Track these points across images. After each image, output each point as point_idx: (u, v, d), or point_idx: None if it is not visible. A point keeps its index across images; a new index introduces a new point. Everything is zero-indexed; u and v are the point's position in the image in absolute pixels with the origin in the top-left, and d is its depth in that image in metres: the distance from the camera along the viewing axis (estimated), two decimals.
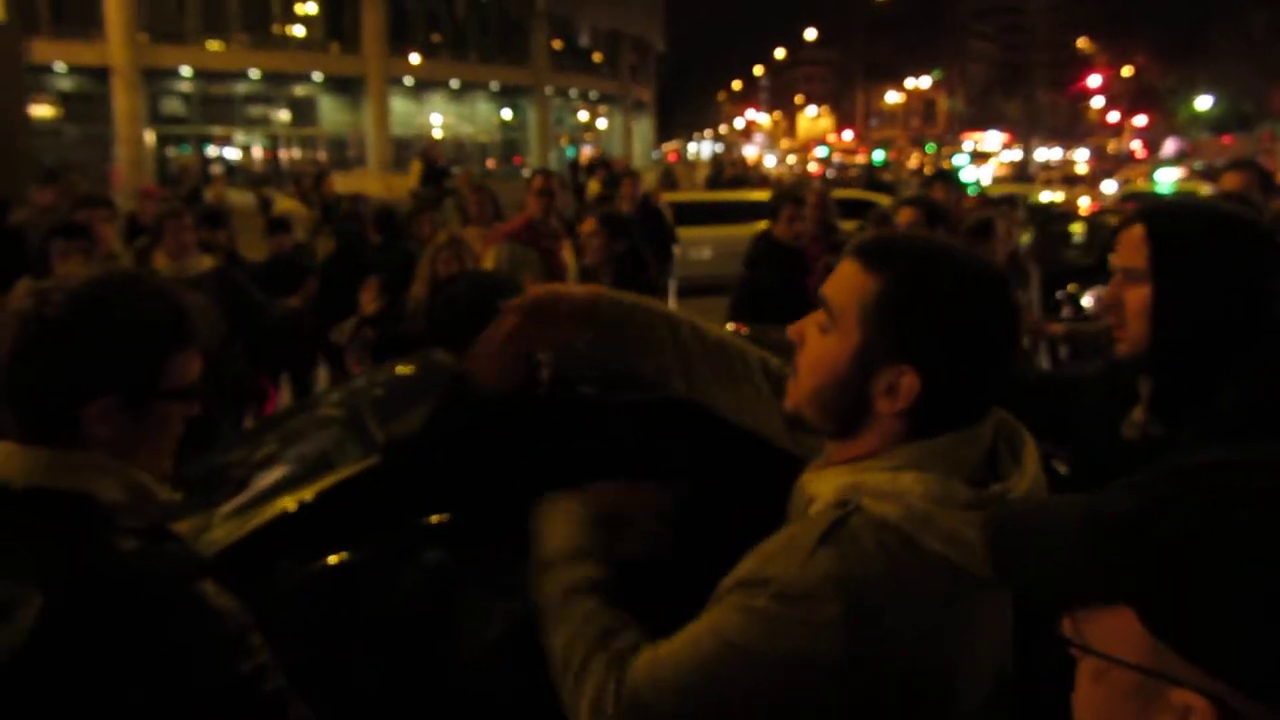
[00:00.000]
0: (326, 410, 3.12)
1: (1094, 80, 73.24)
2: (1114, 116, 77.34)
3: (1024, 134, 73.94)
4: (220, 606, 1.33)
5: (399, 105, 41.04)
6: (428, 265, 4.36)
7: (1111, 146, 71.52)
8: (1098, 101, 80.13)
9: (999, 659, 1.31)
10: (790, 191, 6.70)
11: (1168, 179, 21.18)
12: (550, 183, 5.87)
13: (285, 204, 11.44)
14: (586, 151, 46.28)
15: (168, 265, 4.95)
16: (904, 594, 1.19)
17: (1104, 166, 44.53)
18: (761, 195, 13.40)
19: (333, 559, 2.13)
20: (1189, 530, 0.73)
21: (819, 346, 1.32)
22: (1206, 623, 0.71)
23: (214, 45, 36.30)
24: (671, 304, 9.81)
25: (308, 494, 2.35)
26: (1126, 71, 75.15)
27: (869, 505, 1.23)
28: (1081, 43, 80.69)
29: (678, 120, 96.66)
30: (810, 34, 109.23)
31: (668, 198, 11.01)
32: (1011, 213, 5.84)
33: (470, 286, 2.30)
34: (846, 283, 1.30)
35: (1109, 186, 26.77)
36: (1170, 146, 64.02)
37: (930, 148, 70.01)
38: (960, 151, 58.95)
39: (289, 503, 2.35)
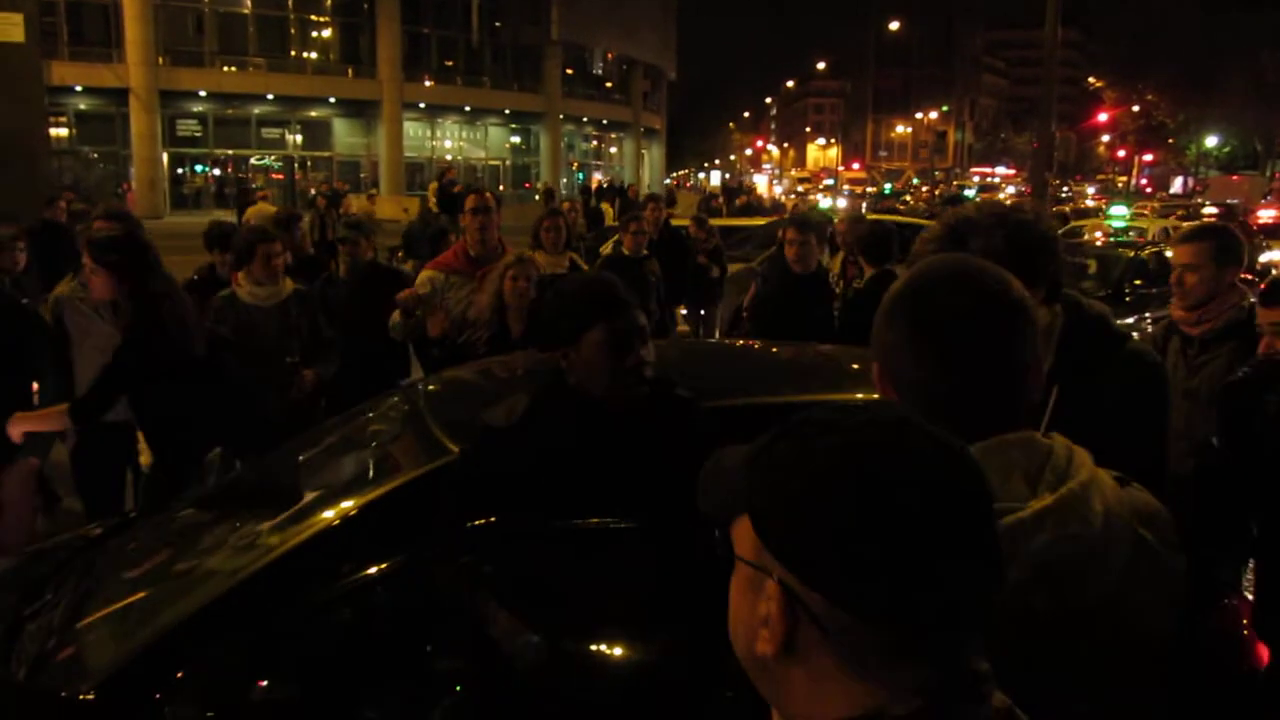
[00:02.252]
0: (384, 413, 3.15)
1: (1103, 117, 73.53)
2: (1122, 153, 77.57)
3: (1033, 169, 74.18)
4: None
5: (412, 129, 41.34)
6: (495, 282, 4.71)
7: (1120, 183, 71.70)
8: (1107, 138, 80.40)
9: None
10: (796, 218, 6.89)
11: (1120, 212, 21.88)
12: (484, 200, 5.38)
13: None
14: (596, 178, 46.51)
15: (249, 291, 5.01)
16: None
17: (1112, 201, 44.63)
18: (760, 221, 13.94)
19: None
20: (781, 456, 0.93)
21: None
22: (781, 526, 0.91)
23: (230, 68, 36.63)
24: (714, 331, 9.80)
25: (374, 494, 2.38)
26: (1135, 108, 75.44)
27: None
28: (1092, 79, 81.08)
29: (688, 148, 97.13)
30: (820, 65, 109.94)
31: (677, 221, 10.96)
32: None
33: (577, 289, 2.37)
34: None
35: (1119, 223, 26.87)
36: (1178, 184, 64.17)
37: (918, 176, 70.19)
38: (969, 185, 59.09)
39: (352, 506, 2.39)
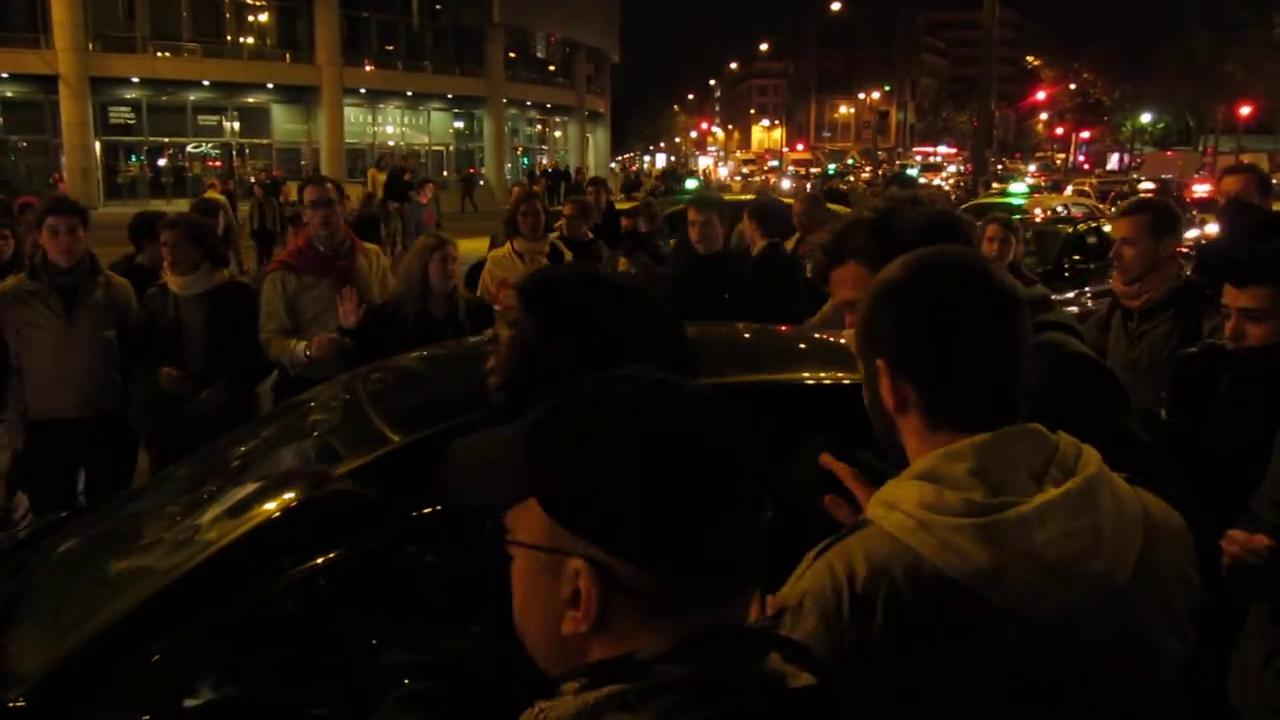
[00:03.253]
0: (323, 403, 3.08)
1: (1041, 95, 74.63)
2: (1060, 131, 78.83)
3: (974, 147, 75.03)
4: None
5: (352, 115, 40.71)
6: (414, 266, 4.58)
7: (1058, 159, 72.84)
8: (1045, 116, 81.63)
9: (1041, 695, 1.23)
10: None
11: (1019, 189, 22.31)
12: (325, 191, 4.82)
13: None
14: (542, 161, 46.25)
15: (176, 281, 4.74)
16: (883, 603, 1.18)
17: (1052, 178, 45.33)
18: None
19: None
20: (562, 433, 0.94)
21: None
22: (578, 501, 0.92)
23: (164, 54, 35.76)
24: None
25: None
26: (1073, 86, 76.62)
27: (878, 516, 1.26)
28: (1030, 58, 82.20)
29: (633, 131, 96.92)
30: (764, 47, 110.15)
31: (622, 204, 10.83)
32: (1018, 226, 6.03)
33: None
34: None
35: (1017, 200, 27.32)
36: (1114, 160, 65.35)
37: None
38: (912, 164, 59.68)
39: (292, 498, 2.32)
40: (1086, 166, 64.16)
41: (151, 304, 4.71)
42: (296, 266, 4.74)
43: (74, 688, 2.04)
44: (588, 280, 2.07)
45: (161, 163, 37.52)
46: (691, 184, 22.54)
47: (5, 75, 32.80)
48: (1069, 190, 29.80)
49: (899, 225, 1.84)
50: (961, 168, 57.61)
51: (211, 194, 15.37)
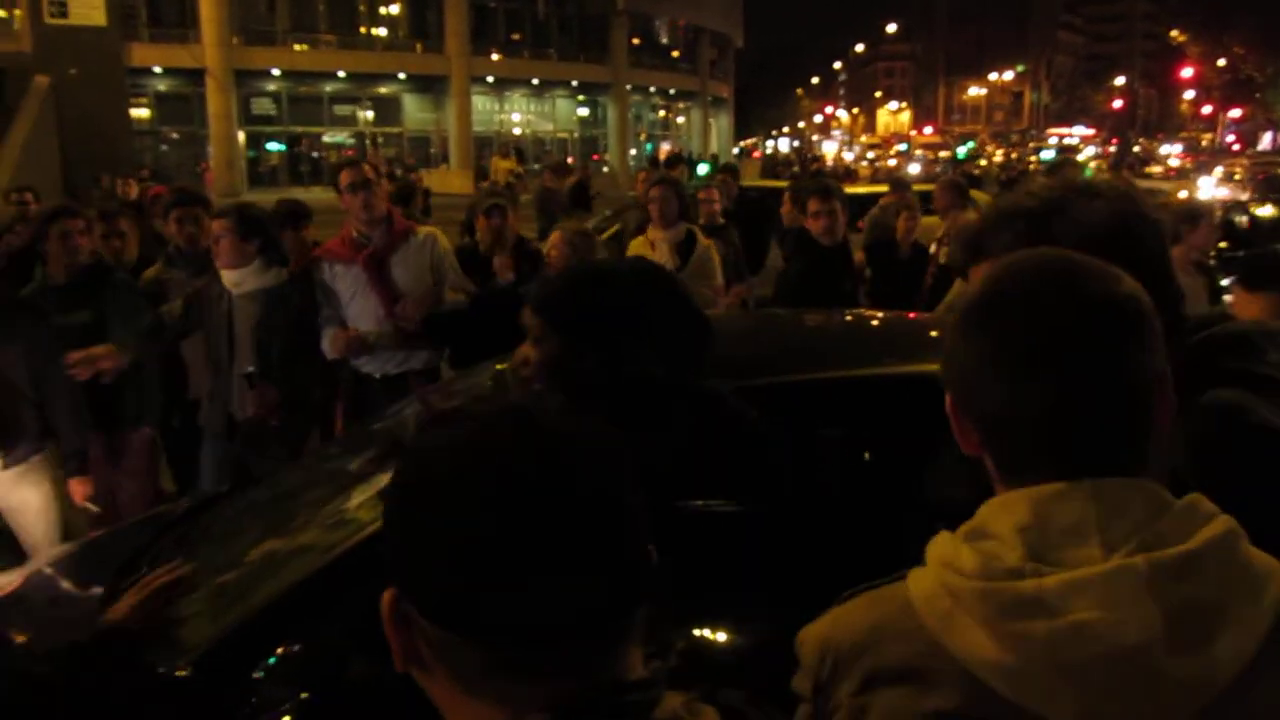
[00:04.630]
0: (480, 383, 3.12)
1: (1187, 72, 70.96)
2: (1208, 109, 74.92)
3: (1116, 127, 71.98)
4: None
5: (480, 103, 41.48)
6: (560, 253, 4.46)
7: (1204, 140, 69.27)
8: (1191, 94, 77.65)
9: None
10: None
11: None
12: (359, 173, 4.53)
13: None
14: (665, 148, 46.27)
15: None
16: (874, 661, 1.05)
17: (1198, 159, 43.10)
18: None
19: None
20: (391, 487, 0.89)
21: None
22: (388, 543, 0.87)
23: (302, 46, 37.09)
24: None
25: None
26: (1221, 62, 72.64)
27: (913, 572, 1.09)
28: (1175, 33, 78.28)
29: (756, 116, 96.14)
30: (891, 28, 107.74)
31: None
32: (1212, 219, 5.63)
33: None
34: None
35: (1207, 181, 25.97)
36: (1267, 139, 61.74)
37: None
38: (1047, 146, 57.57)
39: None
40: (1237, 147, 60.81)
41: (201, 299, 4.48)
42: (329, 253, 4.60)
43: (237, 660, 2.11)
44: (595, 277, 2.04)
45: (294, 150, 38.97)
46: (703, 169, 21.92)
47: (158, 70, 34.49)
48: (1217, 172, 28.30)
49: (1063, 226, 1.46)
50: (1099, 149, 55.31)
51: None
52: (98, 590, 2.68)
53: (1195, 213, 5.35)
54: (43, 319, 4.05)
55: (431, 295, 4.51)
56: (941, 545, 1.04)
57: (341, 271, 4.48)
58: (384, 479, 2.60)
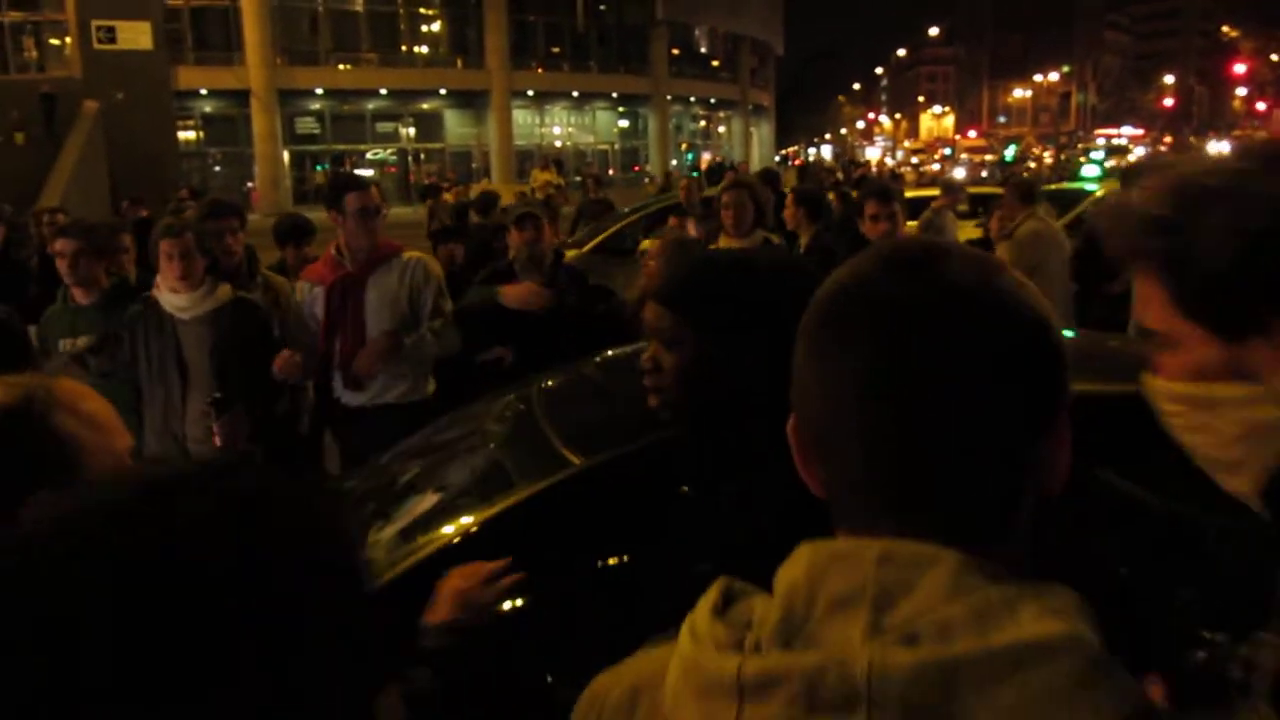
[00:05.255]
0: (495, 416, 2.98)
1: (1240, 68, 69.67)
2: (1262, 106, 73.39)
3: (1166, 126, 70.75)
4: None
5: (521, 117, 41.62)
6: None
7: (1259, 137, 67.86)
8: (1243, 91, 76.14)
9: None
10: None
11: (1091, 173, 19.63)
12: (370, 199, 4.21)
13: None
14: (706, 157, 46.14)
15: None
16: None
17: None
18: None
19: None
20: None
21: None
22: None
23: (344, 65, 37.45)
24: None
25: (489, 512, 2.20)
26: (1275, 58, 71.16)
27: None
28: (1226, 29, 76.81)
29: (798, 124, 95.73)
30: (933, 31, 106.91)
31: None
32: None
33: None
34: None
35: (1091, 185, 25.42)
36: None
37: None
38: (1095, 147, 56.65)
39: (468, 523, 2.20)
40: None
41: (143, 323, 4.00)
42: (311, 274, 4.31)
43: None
44: (738, 265, 1.67)
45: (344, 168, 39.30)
46: (959, 174, 21.51)
47: (204, 91, 34.97)
48: None
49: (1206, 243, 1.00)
50: (1149, 149, 54.31)
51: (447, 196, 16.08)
52: None
53: None
54: None
55: (392, 347, 4.08)
56: (705, 597, 0.80)
57: (320, 295, 4.18)
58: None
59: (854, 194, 7.63)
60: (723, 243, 5.18)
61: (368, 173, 39.20)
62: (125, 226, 5.70)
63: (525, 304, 4.30)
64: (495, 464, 2.66)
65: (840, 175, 25.89)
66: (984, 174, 32.21)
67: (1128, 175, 7.25)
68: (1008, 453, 0.75)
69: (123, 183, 23.65)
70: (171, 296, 3.93)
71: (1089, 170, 20.36)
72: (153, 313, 3.96)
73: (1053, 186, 14.94)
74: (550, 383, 2.98)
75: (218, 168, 37.00)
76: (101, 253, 4.31)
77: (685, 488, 1.81)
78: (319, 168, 39.07)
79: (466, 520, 2.25)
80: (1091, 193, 12.14)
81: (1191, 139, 55.51)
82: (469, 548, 2.07)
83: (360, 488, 2.97)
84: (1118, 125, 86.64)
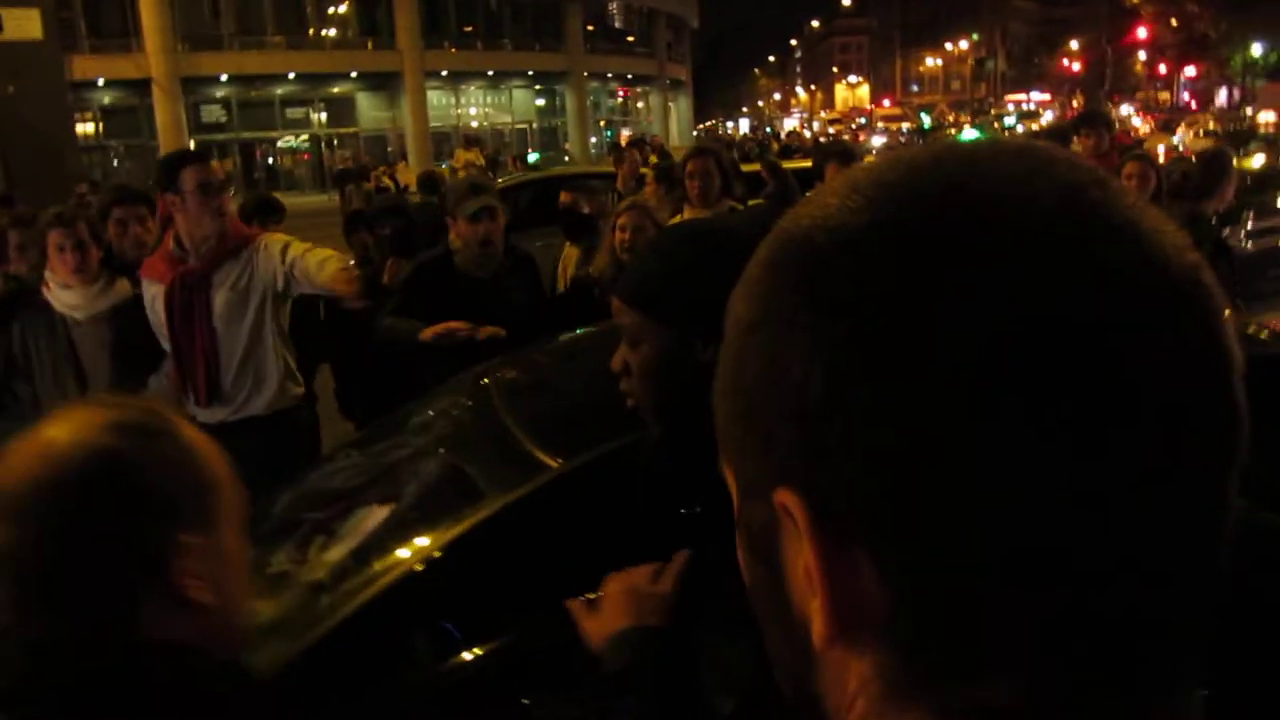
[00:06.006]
0: (444, 410, 2.72)
1: (1142, 33, 71.42)
2: (1163, 69, 75.37)
3: (1070, 91, 72.25)
4: None
5: (435, 98, 40.84)
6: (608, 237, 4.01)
7: (1161, 99, 69.64)
8: (1144, 55, 78.09)
9: None
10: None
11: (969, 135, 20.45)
12: (209, 172, 3.60)
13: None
14: (625, 134, 45.86)
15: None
16: None
17: (1161, 118, 43.26)
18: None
19: None
20: None
21: None
22: None
23: (250, 50, 36.28)
24: None
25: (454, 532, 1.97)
26: (1174, 22, 73.12)
27: None
28: None
29: (715, 98, 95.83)
30: (846, 2, 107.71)
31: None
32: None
33: None
34: None
35: (1176, 138, 26.11)
36: (1222, 96, 62.13)
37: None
38: (1007, 113, 57.66)
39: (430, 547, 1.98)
40: (1194, 105, 61.14)
41: (31, 327, 3.64)
42: (147, 270, 3.66)
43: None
44: (699, 243, 1.52)
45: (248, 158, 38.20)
46: (533, 157, 21.20)
47: (102, 82, 33.59)
48: (1181, 129, 28.37)
49: None
50: (1057, 114, 55.40)
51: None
52: None
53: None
54: None
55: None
56: None
57: (158, 295, 3.54)
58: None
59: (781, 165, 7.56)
60: (688, 213, 4.89)
61: (280, 161, 38.19)
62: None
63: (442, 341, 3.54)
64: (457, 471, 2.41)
65: (771, 146, 25.86)
66: (902, 140, 32.48)
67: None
68: None
69: (20, 179, 22.60)
70: (63, 293, 3.57)
71: (969, 134, 21.04)
72: (40, 315, 3.59)
73: None
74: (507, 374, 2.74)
75: (120, 161, 35.63)
76: None
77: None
78: (227, 157, 37.90)
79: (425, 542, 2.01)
80: None
81: (1109, 104, 56.83)
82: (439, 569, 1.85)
83: (292, 500, 2.71)
84: (1027, 91, 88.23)
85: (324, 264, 3.43)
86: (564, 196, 6.90)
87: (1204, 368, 0.44)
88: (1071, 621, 0.43)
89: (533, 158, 19.92)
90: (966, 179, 0.46)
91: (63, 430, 1.03)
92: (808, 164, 10.91)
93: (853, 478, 0.44)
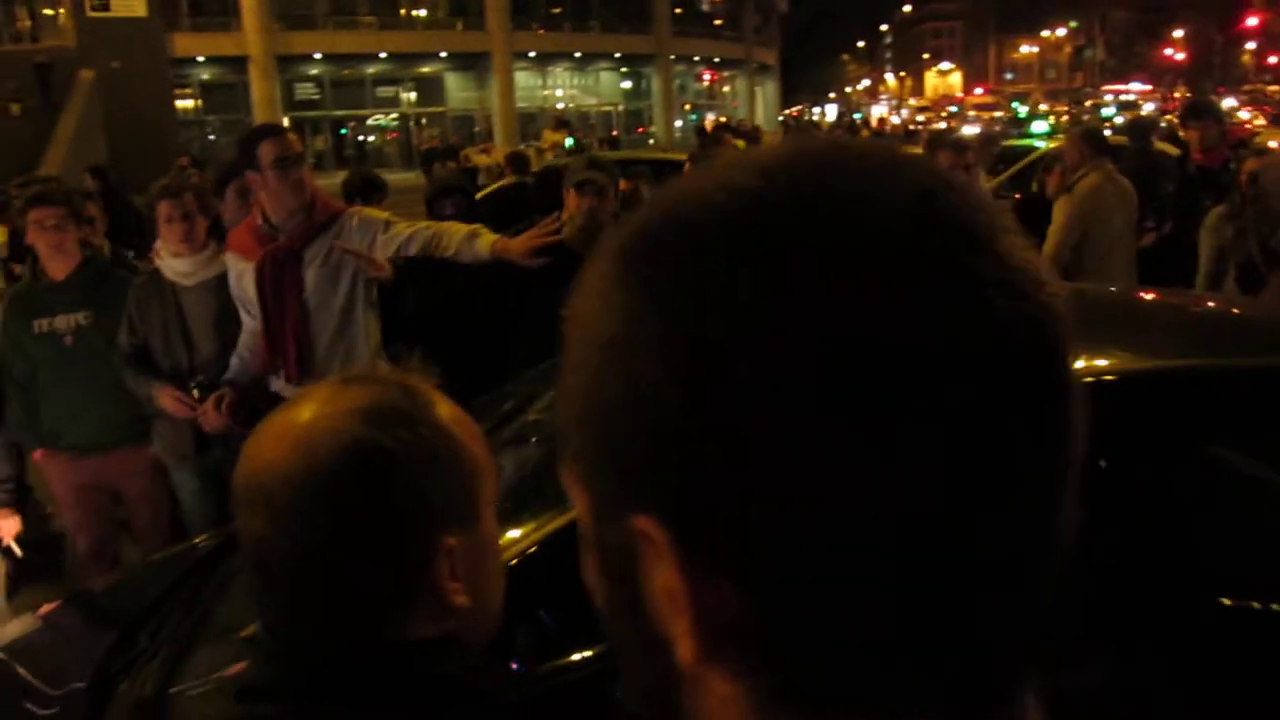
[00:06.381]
0: (539, 396, 2.70)
1: (1253, 20, 68.63)
2: (1274, 59, 72.38)
3: (1172, 82, 69.82)
4: None
5: (523, 79, 41.05)
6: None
7: (1270, 91, 66.89)
8: (1253, 45, 75.08)
9: None
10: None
11: (1040, 128, 19.38)
12: (287, 146, 3.45)
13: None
14: (710, 118, 45.61)
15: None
16: None
17: (1272, 112, 41.42)
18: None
19: None
20: None
21: None
22: None
23: (343, 30, 36.90)
24: None
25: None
26: None
27: None
28: None
29: (802, 83, 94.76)
30: None
31: None
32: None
33: None
34: None
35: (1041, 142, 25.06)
36: None
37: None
38: (1105, 104, 55.90)
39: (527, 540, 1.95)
40: None
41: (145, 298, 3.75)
42: (233, 245, 3.63)
43: None
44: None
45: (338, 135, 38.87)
46: (970, 131, 21.18)
47: (201, 59, 34.47)
48: None
49: None
50: (1157, 105, 53.53)
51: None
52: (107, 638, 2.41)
53: None
54: None
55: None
56: None
57: (245, 271, 3.50)
58: None
59: None
60: None
61: (370, 139, 38.83)
62: (91, 196, 5.42)
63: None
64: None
65: (861, 132, 25.49)
66: (997, 130, 31.65)
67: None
68: None
69: (122, 153, 23.32)
70: (173, 262, 3.71)
71: (1038, 126, 20.30)
72: (153, 282, 3.76)
73: (1007, 143, 14.71)
74: None
75: (218, 136, 36.57)
76: (80, 222, 4.03)
77: None
78: (319, 134, 38.65)
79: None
80: (1039, 149, 11.91)
81: (1214, 94, 54.71)
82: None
83: None
84: (1126, 81, 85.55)
85: (472, 236, 3.35)
86: (623, 184, 6.78)
87: (1037, 386, 0.43)
88: (917, 636, 0.43)
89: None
90: (817, 185, 0.45)
91: (317, 415, 0.94)
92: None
93: (708, 499, 0.43)
